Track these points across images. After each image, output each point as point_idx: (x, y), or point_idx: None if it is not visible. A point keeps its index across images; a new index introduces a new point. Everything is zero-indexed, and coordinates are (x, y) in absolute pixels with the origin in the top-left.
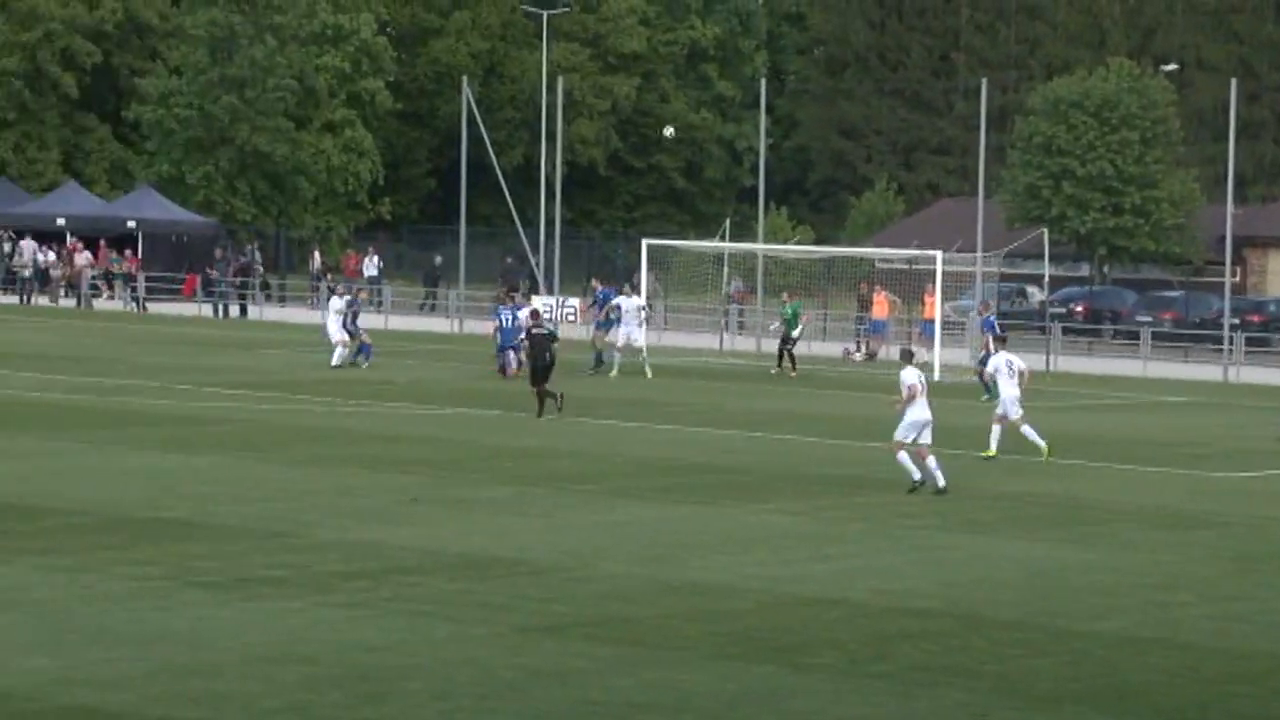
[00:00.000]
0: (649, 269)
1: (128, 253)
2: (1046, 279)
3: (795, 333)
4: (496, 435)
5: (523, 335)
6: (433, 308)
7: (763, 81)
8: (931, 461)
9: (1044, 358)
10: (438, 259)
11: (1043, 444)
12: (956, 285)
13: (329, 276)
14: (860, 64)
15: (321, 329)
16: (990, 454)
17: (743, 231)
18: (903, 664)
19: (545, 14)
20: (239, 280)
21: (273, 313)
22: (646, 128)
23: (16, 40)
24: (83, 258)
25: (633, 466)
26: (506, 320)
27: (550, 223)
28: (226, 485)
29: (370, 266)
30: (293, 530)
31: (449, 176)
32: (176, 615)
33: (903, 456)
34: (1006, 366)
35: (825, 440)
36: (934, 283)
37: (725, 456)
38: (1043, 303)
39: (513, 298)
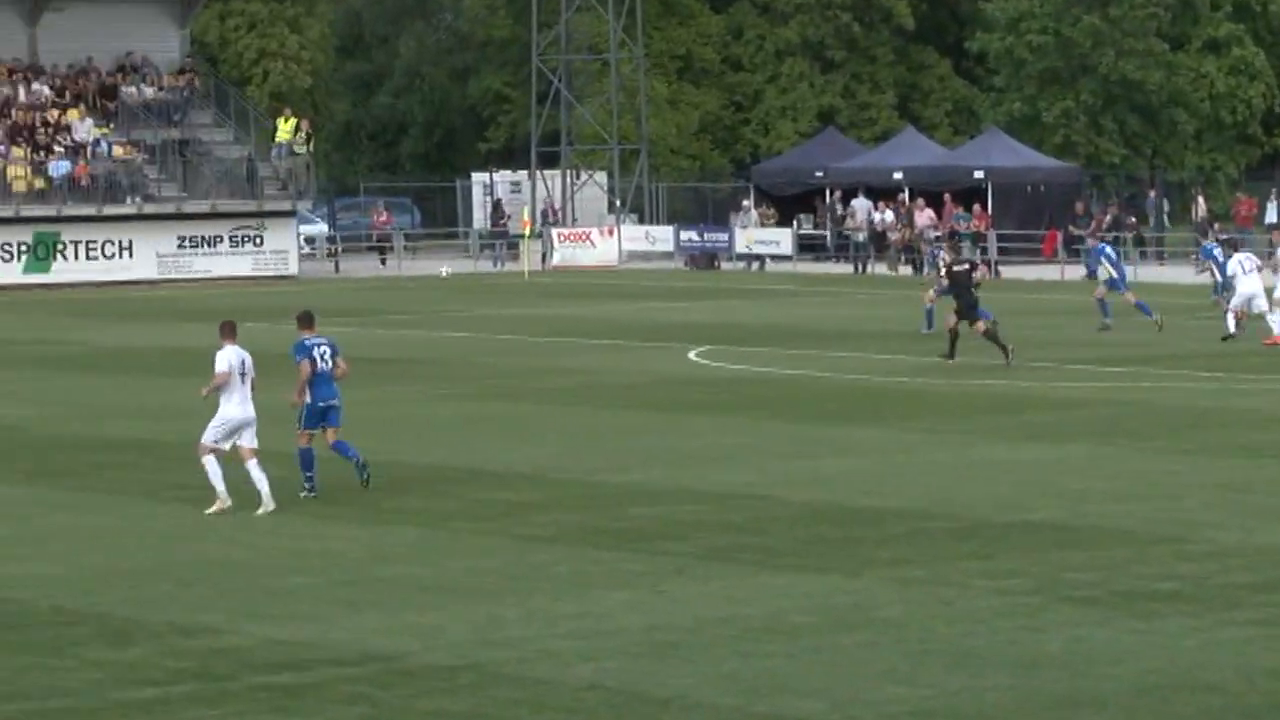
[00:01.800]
0: None
1: (976, 208)
2: None
3: None
4: None
5: (943, 274)
6: None
7: None
8: None
9: None
10: None
11: None
12: None
13: (1216, 227)
14: None
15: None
16: None
17: None
18: None
19: None
20: (1112, 236)
21: (1148, 273)
22: None
23: None
24: (924, 217)
25: None
26: (1220, 256)
27: None
28: (1102, 480)
29: (1272, 212)
30: (1185, 534)
31: None
32: (1049, 636)
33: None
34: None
35: None
36: None
37: None
38: None
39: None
